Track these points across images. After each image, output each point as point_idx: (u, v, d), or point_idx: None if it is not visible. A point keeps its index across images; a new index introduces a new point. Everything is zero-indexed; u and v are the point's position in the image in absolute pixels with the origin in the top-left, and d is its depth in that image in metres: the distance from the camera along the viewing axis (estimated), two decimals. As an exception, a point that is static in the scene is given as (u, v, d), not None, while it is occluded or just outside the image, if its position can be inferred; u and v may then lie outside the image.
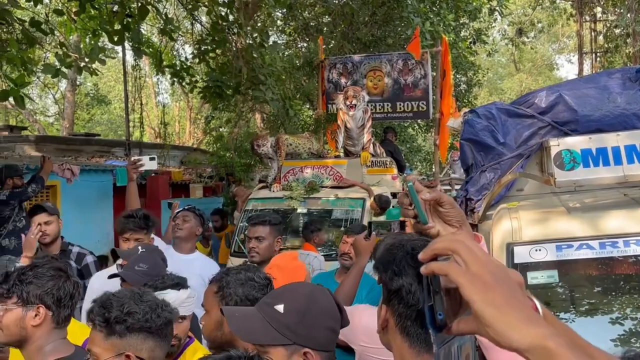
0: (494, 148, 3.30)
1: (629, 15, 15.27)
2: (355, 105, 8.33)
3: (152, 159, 4.45)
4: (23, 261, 3.87)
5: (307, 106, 14.67)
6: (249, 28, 8.24)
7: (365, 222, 6.72)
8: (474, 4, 15.05)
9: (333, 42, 13.96)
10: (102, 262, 5.20)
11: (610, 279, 2.61)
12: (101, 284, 3.75)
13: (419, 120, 16.25)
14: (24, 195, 7.00)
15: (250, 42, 8.20)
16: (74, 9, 7.18)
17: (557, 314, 2.59)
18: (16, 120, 21.38)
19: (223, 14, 8.22)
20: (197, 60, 8.64)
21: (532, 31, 27.83)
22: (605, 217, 2.68)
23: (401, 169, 9.82)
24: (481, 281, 0.92)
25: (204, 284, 2.70)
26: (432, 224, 1.50)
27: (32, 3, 6.42)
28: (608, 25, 18.79)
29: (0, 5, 5.42)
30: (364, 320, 2.14)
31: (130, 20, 6.92)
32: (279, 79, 9.32)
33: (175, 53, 14.08)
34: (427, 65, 9.70)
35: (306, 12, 14.61)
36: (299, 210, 7.38)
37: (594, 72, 17.47)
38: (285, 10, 13.42)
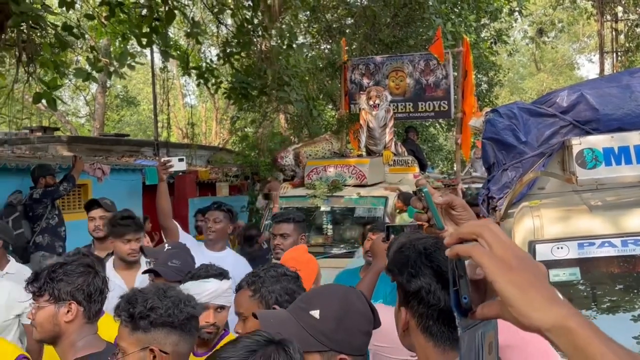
0: (516, 147, 3.27)
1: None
2: (378, 105, 8.33)
3: (181, 160, 4.48)
4: None
5: (330, 106, 14.68)
6: (273, 30, 8.25)
7: (387, 220, 6.72)
8: (495, 4, 14.92)
9: (355, 43, 13.95)
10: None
11: (632, 276, 2.57)
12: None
13: (440, 120, 16.16)
14: (56, 194, 7.09)
15: (275, 44, 8.22)
16: (104, 14, 7.26)
17: (580, 311, 2.55)
18: (49, 122, 21.67)
19: (248, 16, 8.25)
20: (222, 62, 8.69)
21: (552, 31, 27.50)
22: (627, 215, 2.64)
23: (422, 167, 9.79)
24: (504, 262, 0.92)
25: (234, 281, 2.70)
26: (446, 228, 1.49)
27: (64, 8, 6.49)
28: (629, 24, 18.50)
29: (34, 10, 5.50)
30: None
31: (158, 24, 6.97)
32: (303, 80, 9.33)
33: (201, 55, 14.17)
34: (448, 65, 9.65)
35: (329, 15, 14.62)
36: (322, 209, 7.38)
37: (614, 71, 17.21)
38: (308, 12, 13.43)
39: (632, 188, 2.92)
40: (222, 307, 2.78)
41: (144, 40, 7.04)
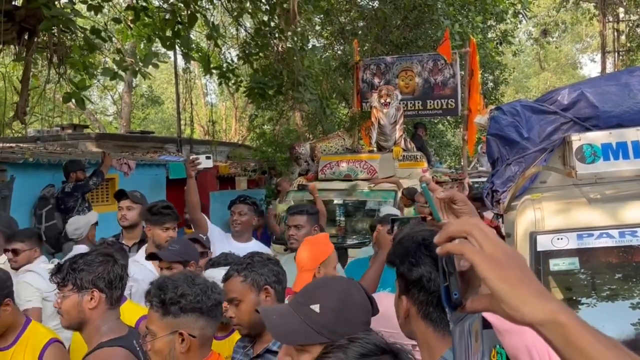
0: (519, 143, 3.25)
1: (651, 15, 14.84)
2: (389, 103, 8.34)
3: (208, 157, 4.51)
4: None
5: (343, 105, 14.66)
6: (289, 33, 8.25)
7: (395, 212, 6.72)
8: (501, 7, 14.79)
9: (367, 44, 13.90)
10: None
11: (630, 266, 2.56)
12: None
13: (448, 117, 16.09)
14: (85, 188, 7.16)
15: (291, 46, 8.23)
16: (130, 18, 7.30)
17: (579, 299, 2.54)
18: (79, 120, 21.84)
19: (265, 20, 8.26)
20: (241, 62, 8.71)
21: (556, 31, 27.23)
22: (625, 207, 2.63)
23: (428, 162, 9.78)
24: (495, 260, 0.91)
25: None
26: (446, 220, 1.50)
27: (92, 12, 6.54)
28: (630, 25, 18.28)
29: (65, 15, 5.54)
30: (382, 308, 2.14)
31: (180, 27, 7.00)
32: (317, 80, 9.32)
33: (222, 56, 14.20)
34: (455, 65, 9.61)
35: (342, 17, 14.57)
36: (335, 202, 7.39)
37: (616, 70, 17.03)
38: (322, 15, 13.40)
39: (629, 182, 2.90)
40: None
41: (167, 43, 7.08)
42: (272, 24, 8.28)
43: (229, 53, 16.64)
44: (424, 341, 1.60)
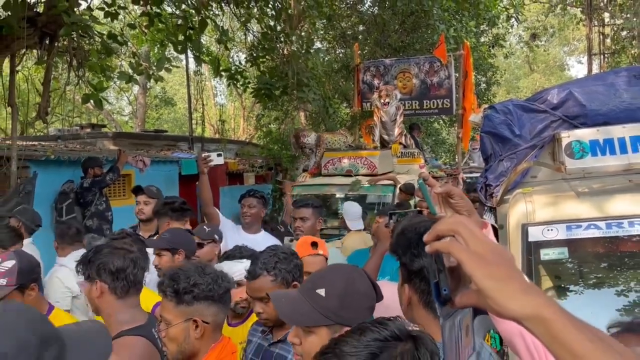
0: (511, 140, 3.24)
1: (634, 19, 14.77)
2: (388, 102, 8.34)
3: (219, 155, 4.51)
4: None
5: (345, 105, 14.64)
6: (294, 37, 8.24)
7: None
8: (493, 12, 14.74)
9: (367, 48, 13.88)
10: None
11: (616, 255, 2.55)
12: None
13: (443, 116, 16.06)
14: (103, 183, 7.18)
15: (296, 49, 8.22)
16: (144, 23, 7.29)
17: (568, 287, 2.54)
18: (97, 119, 21.84)
19: (271, 25, 8.25)
20: (249, 65, 8.70)
21: (545, 35, 27.14)
22: (611, 200, 2.62)
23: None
24: (480, 257, 0.89)
25: None
26: (443, 214, 1.49)
27: (109, 19, 6.53)
28: (615, 28, 18.20)
29: (83, 21, 5.54)
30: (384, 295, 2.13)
31: (192, 32, 6.99)
32: (320, 81, 9.32)
33: (230, 59, 14.19)
34: (450, 67, 9.60)
35: (343, 22, 14.55)
36: (337, 196, 7.39)
37: (602, 71, 16.96)
38: (325, 20, 13.38)
39: (616, 176, 2.89)
40: None
41: (179, 47, 7.07)
42: (278, 28, 8.27)
43: (237, 56, 16.63)
44: (425, 327, 1.60)
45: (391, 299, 1.84)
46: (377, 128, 8.50)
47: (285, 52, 8.26)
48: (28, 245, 4.36)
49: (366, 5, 15.11)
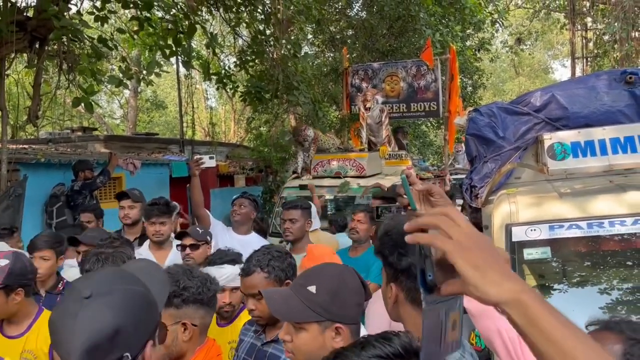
0: (495, 142, 3.26)
1: (616, 24, 14.92)
2: (370, 107, 8.37)
3: (211, 157, 4.49)
4: None
5: (334, 108, 14.65)
6: (283, 41, 8.24)
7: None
8: (479, 16, 14.82)
9: (355, 52, 13.90)
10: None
11: (598, 254, 2.57)
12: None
13: (430, 118, 16.12)
14: (93, 186, 7.13)
15: (285, 53, 8.21)
16: (134, 28, 7.26)
17: (551, 285, 2.55)
18: (88, 123, 21.67)
19: (261, 29, 8.24)
20: (238, 69, 8.68)
21: (529, 39, 27.34)
22: (593, 201, 2.64)
23: (409, 164, 9.79)
24: (462, 246, 0.91)
25: None
26: (423, 212, 1.50)
27: (99, 23, 6.50)
28: (597, 33, 18.35)
29: (73, 25, 5.51)
30: None
31: (181, 36, 6.97)
32: (310, 84, 9.31)
33: (221, 63, 14.16)
34: (437, 70, 9.64)
35: (332, 27, 14.56)
36: (326, 197, 7.38)
37: (584, 75, 17.09)
38: (314, 25, 13.40)
39: (596, 177, 2.91)
40: (237, 288, 2.79)
41: (168, 51, 7.04)
42: (267, 32, 8.26)
43: (227, 60, 16.59)
44: (412, 324, 1.60)
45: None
46: (364, 130, 8.52)
47: (274, 56, 8.26)
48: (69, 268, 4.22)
49: (354, 10, 15.15)
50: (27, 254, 3.31)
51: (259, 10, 8.27)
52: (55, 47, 6.25)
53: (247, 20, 8.26)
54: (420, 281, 1.00)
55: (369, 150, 8.39)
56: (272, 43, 8.22)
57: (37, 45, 6.01)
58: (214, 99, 30.29)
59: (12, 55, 6.22)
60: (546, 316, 0.86)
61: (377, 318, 2.01)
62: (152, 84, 6.82)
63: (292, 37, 8.87)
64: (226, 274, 2.74)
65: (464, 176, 4.72)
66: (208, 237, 3.74)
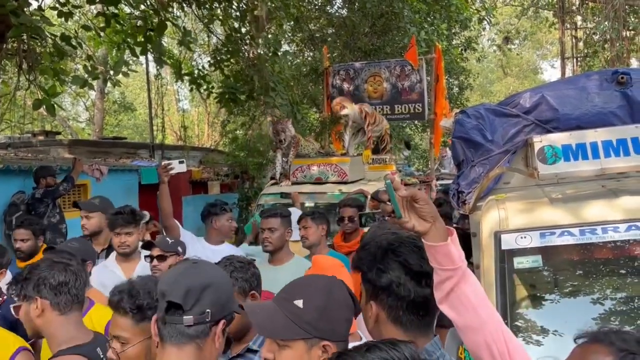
0: (483, 145, 3.28)
1: (606, 23, 15.18)
2: (346, 113, 8.37)
3: (181, 162, 4.42)
4: None
5: (314, 110, 14.67)
6: (260, 40, 8.21)
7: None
8: (465, 14, 14.99)
9: (336, 51, 13.95)
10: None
11: (590, 263, 2.59)
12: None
13: (415, 121, 16.20)
14: (56, 193, 7.04)
15: (262, 52, 8.19)
16: (100, 24, 7.19)
17: (542, 295, 2.57)
18: (51, 126, 21.37)
19: (236, 26, 8.21)
20: (213, 68, 8.64)
21: (517, 38, 27.72)
22: (585, 206, 2.67)
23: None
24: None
25: None
26: (407, 218, 1.50)
27: (62, 19, 6.42)
28: (587, 32, 18.67)
29: (34, 22, 5.42)
30: None
31: (151, 33, 6.91)
32: (288, 85, 9.30)
33: (193, 62, 14.11)
34: (422, 70, 9.71)
35: (312, 24, 14.59)
36: (306, 204, 7.36)
37: (575, 75, 17.33)
38: (292, 22, 13.41)
39: (589, 182, 2.94)
40: None
41: (138, 50, 6.98)
42: (243, 30, 8.24)
43: (201, 59, 16.53)
44: None
45: None
46: (347, 134, 8.53)
47: (250, 55, 8.23)
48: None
49: (335, 7, 15.21)
50: None
51: (233, 6, 8.25)
52: (15, 45, 6.15)
53: (221, 17, 8.23)
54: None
55: (350, 155, 8.39)
56: (248, 41, 8.19)
57: (-6, 43, 5.91)
58: (186, 100, 30.17)
59: (-33, 54, 6.12)
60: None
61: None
62: (120, 85, 6.76)
63: (270, 35, 8.85)
64: None
65: (450, 181, 4.74)
66: (179, 248, 3.69)
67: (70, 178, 7.15)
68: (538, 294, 2.58)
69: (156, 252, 3.59)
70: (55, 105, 5.85)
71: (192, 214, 9.64)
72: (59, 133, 15.06)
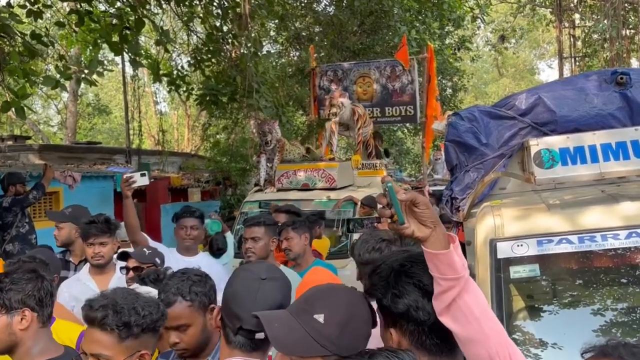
0: (477, 149, 3.28)
1: (605, 21, 15.34)
2: (336, 113, 8.38)
3: (143, 174, 4.34)
4: None
5: (300, 112, 14.68)
6: (243, 38, 8.21)
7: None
8: (458, 12, 15.09)
9: (323, 51, 13.98)
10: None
11: (590, 271, 2.60)
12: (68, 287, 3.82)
13: (407, 124, 16.26)
14: (25, 202, 6.97)
15: (245, 51, 8.19)
16: (74, 22, 7.15)
17: (540, 306, 2.57)
18: (21, 130, 21.23)
19: (217, 25, 8.21)
20: (193, 69, 8.63)
21: (513, 37, 27.93)
22: (584, 212, 2.67)
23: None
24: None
25: (216, 284, 2.67)
26: (407, 224, 1.49)
27: (32, 17, 6.38)
28: (586, 31, 18.86)
29: (1, 19, 5.39)
30: None
31: (128, 32, 6.89)
32: (273, 86, 9.31)
33: (172, 63, 14.06)
34: (413, 71, 9.73)
35: (297, 23, 14.61)
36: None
37: (573, 75, 17.44)
38: (277, 20, 13.43)
39: (588, 187, 2.96)
40: None
41: (115, 49, 6.96)
42: (225, 29, 8.24)
43: (180, 59, 16.49)
44: None
45: None
46: (335, 136, 8.53)
47: (233, 54, 8.24)
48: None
49: (322, 5, 15.25)
50: None
51: (215, 3, 8.25)
52: (-19, 44, 6.10)
53: (201, 14, 8.23)
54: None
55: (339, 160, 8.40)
56: (229, 41, 8.19)
57: (-41, 42, 5.87)
58: (164, 102, 30.02)
59: None
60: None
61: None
62: (95, 84, 6.72)
63: (253, 34, 8.86)
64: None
65: (443, 187, 4.75)
66: (157, 259, 3.66)
67: (40, 186, 7.09)
68: (536, 305, 2.58)
69: (132, 263, 3.56)
70: (25, 108, 5.82)
71: (172, 223, 9.58)
72: (29, 137, 14.96)
